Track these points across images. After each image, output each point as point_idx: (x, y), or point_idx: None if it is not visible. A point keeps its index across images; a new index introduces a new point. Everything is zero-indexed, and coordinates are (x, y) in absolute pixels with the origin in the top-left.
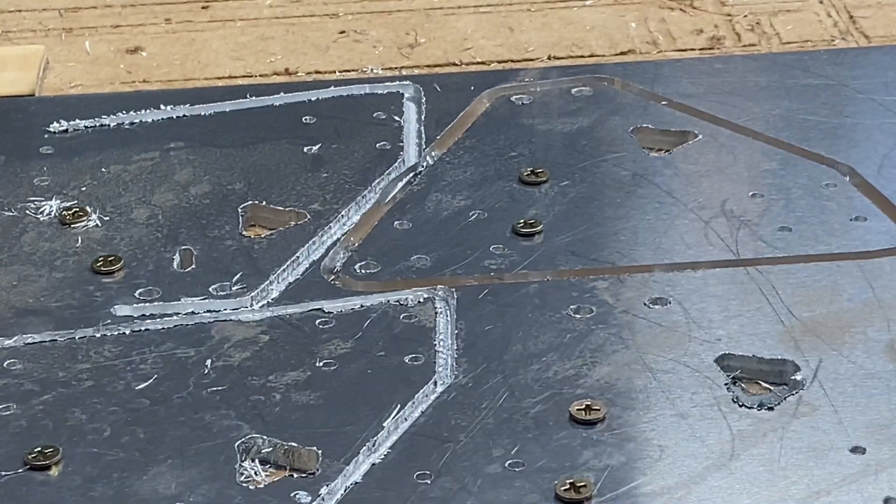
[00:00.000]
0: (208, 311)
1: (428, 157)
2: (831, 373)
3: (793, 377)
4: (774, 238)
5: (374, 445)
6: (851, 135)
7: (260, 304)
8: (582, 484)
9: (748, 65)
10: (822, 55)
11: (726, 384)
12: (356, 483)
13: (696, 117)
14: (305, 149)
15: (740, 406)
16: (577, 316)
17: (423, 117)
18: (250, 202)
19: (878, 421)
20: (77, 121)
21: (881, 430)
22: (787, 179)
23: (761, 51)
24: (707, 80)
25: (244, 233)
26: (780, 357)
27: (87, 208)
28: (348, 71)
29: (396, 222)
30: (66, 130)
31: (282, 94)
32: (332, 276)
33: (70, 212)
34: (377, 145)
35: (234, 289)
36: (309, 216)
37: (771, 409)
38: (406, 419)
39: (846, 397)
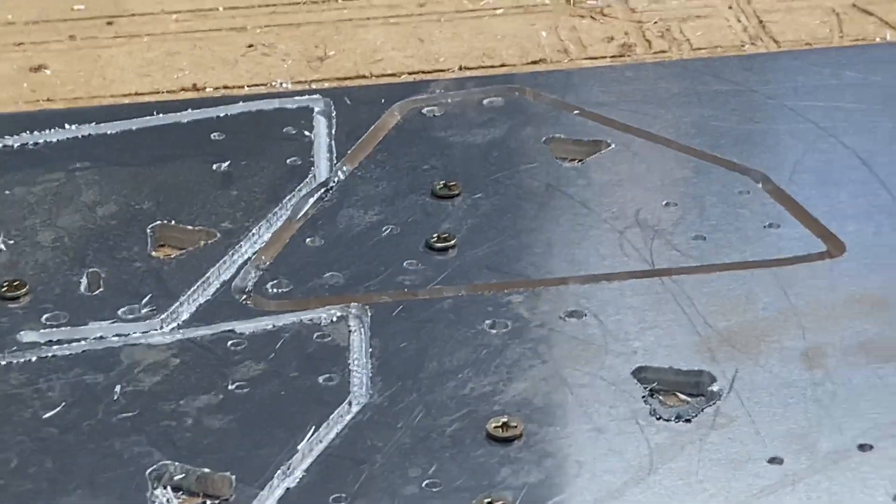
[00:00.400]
0: (117, 335)
1: (339, 172)
2: (748, 383)
3: (709, 388)
4: (689, 247)
5: (288, 469)
6: (763, 141)
7: (170, 327)
8: (500, 502)
9: (659, 72)
10: (733, 61)
11: (643, 397)
12: None
13: (609, 126)
14: (214, 166)
15: (658, 419)
16: (493, 331)
17: (333, 131)
18: (159, 222)
19: (795, 431)
20: None
21: (798, 439)
22: (700, 187)
23: (672, 57)
24: (619, 87)
25: (153, 254)
26: (696, 368)
27: None
28: (257, 85)
29: (308, 239)
30: None
31: (190, 110)
32: (244, 297)
33: None
34: (288, 161)
35: (143, 311)
36: (219, 235)
37: (688, 421)
38: (321, 441)
39: (763, 407)
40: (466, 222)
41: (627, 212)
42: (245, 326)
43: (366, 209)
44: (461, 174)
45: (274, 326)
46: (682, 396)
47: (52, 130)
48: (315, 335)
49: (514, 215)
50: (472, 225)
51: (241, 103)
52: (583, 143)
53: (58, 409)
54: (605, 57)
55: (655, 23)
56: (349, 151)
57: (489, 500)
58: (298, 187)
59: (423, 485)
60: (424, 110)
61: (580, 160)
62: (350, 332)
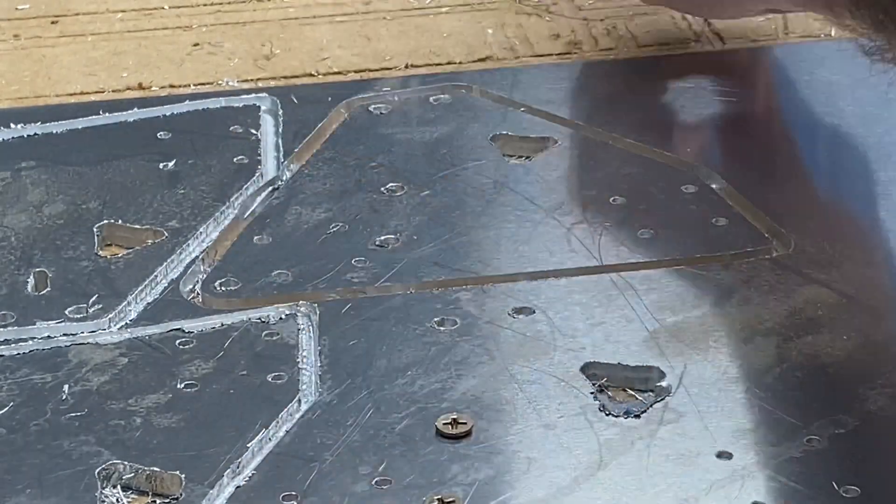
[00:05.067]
0: (65, 335)
1: (286, 171)
2: (696, 378)
3: (658, 384)
4: (637, 243)
5: (238, 468)
6: (710, 137)
7: (118, 326)
8: (451, 500)
9: (606, 69)
10: (678, 58)
11: (592, 393)
12: None
13: (556, 123)
14: (161, 165)
15: (607, 415)
16: (442, 328)
17: (280, 130)
18: (106, 221)
19: (744, 426)
20: None
21: (747, 434)
22: (647, 184)
23: (618, 55)
24: (566, 85)
25: (100, 253)
26: (645, 364)
27: None
28: (203, 84)
29: (256, 237)
30: None
31: (136, 109)
32: (192, 295)
33: None
34: (234, 160)
35: (90, 311)
36: (166, 234)
37: (637, 416)
38: (270, 439)
39: (711, 402)
40: (414, 220)
41: (575, 208)
42: (193, 325)
43: (313, 207)
44: (408, 171)
45: (223, 325)
46: (631, 392)
47: None
48: (264, 333)
49: (461, 212)
50: (420, 222)
51: (187, 102)
52: (530, 140)
53: (5, 409)
54: (551, 55)
55: (602, 20)
56: (296, 150)
57: (439, 497)
58: (245, 186)
59: (374, 482)
60: (371, 108)
61: (527, 157)
62: (299, 330)
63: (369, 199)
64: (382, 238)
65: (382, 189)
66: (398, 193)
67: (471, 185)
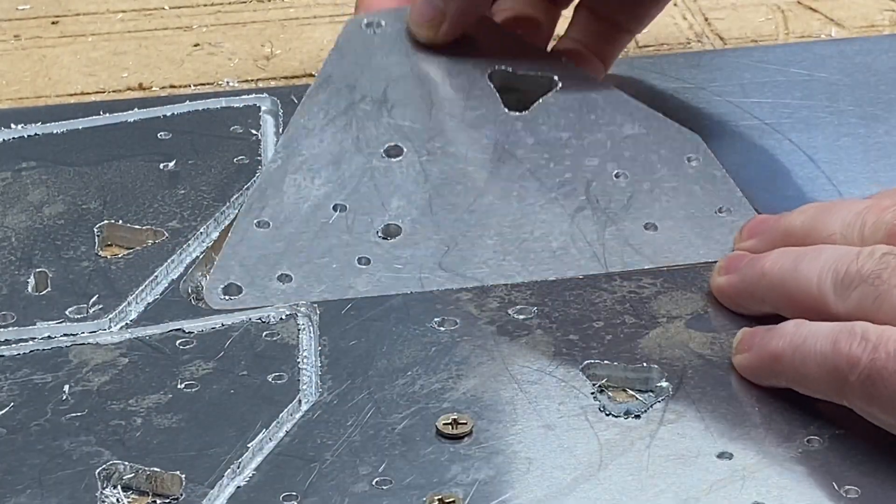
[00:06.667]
0: (65, 335)
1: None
2: (696, 379)
3: (658, 384)
4: (639, 242)
5: (238, 468)
6: (709, 137)
7: (118, 326)
8: (451, 500)
9: None
10: (679, 58)
11: (592, 393)
12: None
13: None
14: (161, 165)
15: (607, 415)
16: (442, 328)
17: (280, 130)
18: (106, 221)
19: (744, 426)
20: None
21: (747, 434)
22: (650, 152)
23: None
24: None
25: (100, 253)
26: (645, 364)
27: None
28: (203, 84)
29: (256, 221)
30: None
31: (136, 109)
32: (192, 295)
33: None
34: (235, 160)
35: (91, 311)
36: (167, 234)
37: (638, 417)
38: (271, 439)
39: (712, 403)
40: (412, 212)
41: (578, 185)
42: (194, 325)
43: (312, 178)
44: (406, 129)
45: (223, 325)
46: (632, 392)
47: None
48: (264, 334)
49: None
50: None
51: (187, 102)
52: (529, 79)
53: (6, 409)
54: None
55: None
56: None
57: (440, 497)
58: (246, 186)
59: (374, 482)
60: (364, 24)
61: (527, 105)
62: (299, 330)
63: (369, 165)
64: (385, 225)
65: (381, 152)
66: (397, 158)
67: (470, 152)
